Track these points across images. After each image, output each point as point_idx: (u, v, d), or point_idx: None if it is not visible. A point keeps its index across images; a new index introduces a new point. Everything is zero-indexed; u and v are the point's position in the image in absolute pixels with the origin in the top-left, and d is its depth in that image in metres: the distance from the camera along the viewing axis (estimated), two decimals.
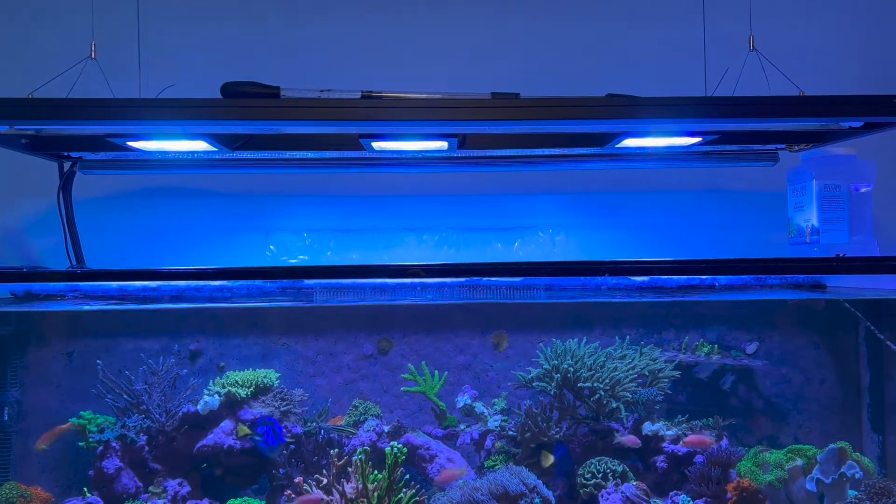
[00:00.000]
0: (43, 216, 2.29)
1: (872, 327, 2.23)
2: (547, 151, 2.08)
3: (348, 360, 2.39)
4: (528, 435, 2.13)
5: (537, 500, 1.87)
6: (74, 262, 2.17)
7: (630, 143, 1.88)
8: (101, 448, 2.08)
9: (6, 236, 2.33)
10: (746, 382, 2.31)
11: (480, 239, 2.40)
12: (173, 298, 2.07)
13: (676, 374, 2.18)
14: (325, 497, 1.79)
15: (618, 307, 2.36)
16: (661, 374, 2.17)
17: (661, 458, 2.09)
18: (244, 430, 1.88)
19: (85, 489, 2.03)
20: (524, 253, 2.39)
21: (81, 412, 2.16)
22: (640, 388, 2.14)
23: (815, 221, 1.93)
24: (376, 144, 1.89)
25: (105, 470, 2.07)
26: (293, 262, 2.36)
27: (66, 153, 2.07)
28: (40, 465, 2.23)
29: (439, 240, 2.39)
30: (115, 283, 1.94)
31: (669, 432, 2.11)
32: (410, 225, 2.39)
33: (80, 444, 2.12)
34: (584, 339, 2.22)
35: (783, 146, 2.04)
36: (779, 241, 2.13)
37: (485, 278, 1.92)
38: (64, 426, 2.17)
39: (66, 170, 2.11)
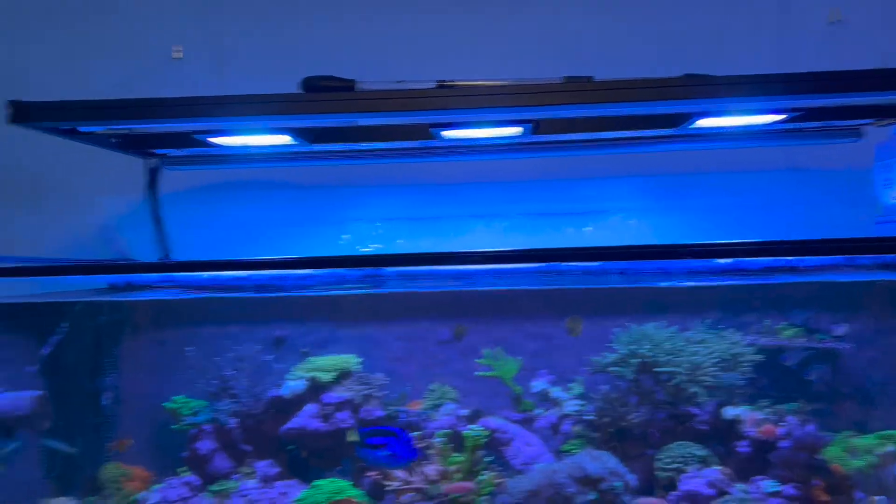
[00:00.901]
0: (130, 212, 2.41)
1: None
2: (620, 134, 2.06)
3: (424, 345, 2.43)
4: (605, 419, 2.13)
5: (617, 483, 1.87)
6: (162, 255, 2.28)
7: (706, 122, 1.85)
8: (194, 430, 2.20)
9: (98, 232, 2.45)
10: (832, 366, 2.24)
11: (551, 224, 2.40)
12: (257, 288, 2.15)
13: (759, 357, 2.13)
14: (473, 486, 1.80)
15: (694, 291, 2.31)
16: (742, 358, 2.13)
17: (744, 442, 2.05)
18: (353, 436, 1.86)
19: (181, 469, 2.14)
20: (596, 238, 2.37)
21: (174, 396, 2.28)
22: (720, 373, 2.10)
23: None
24: (447, 133, 1.91)
25: (199, 451, 2.18)
26: (366, 250, 2.41)
27: (152, 151, 2.17)
28: (139, 447, 2.36)
29: (509, 226, 2.40)
30: (202, 273, 2.03)
31: (753, 416, 2.07)
32: (480, 212, 2.40)
33: (175, 426, 2.24)
34: (661, 324, 2.20)
35: (869, 121, 1.96)
36: (862, 220, 2.05)
37: (559, 263, 1.91)
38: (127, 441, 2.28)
39: (152, 167, 2.22)
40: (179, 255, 2.29)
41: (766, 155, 2.24)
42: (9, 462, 2.12)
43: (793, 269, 1.85)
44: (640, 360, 2.12)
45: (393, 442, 1.75)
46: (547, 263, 1.91)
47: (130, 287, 2.20)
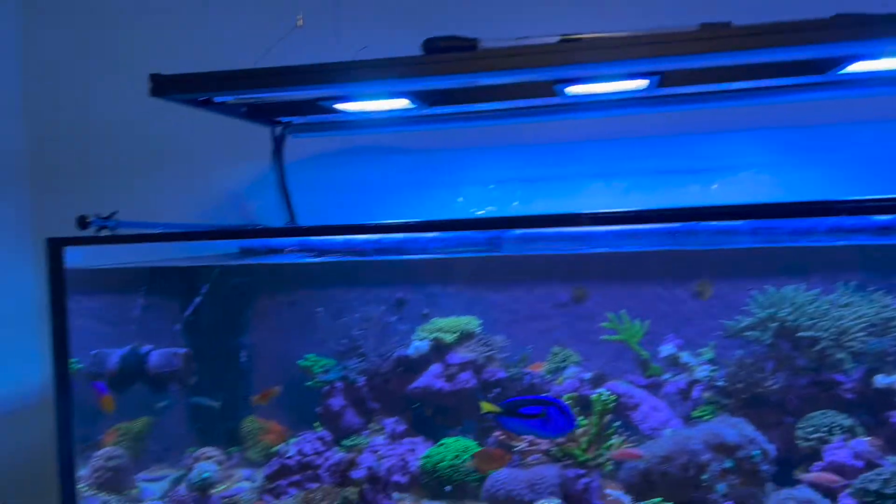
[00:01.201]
0: (257, 179, 2.51)
1: None
2: (755, 84, 1.93)
3: (544, 308, 2.40)
4: (739, 385, 2.04)
5: (756, 451, 1.79)
6: (288, 220, 2.36)
7: (859, 67, 1.69)
8: (326, 388, 2.30)
9: (227, 198, 2.57)
10: None
11: (674, 182, 2.29)
12: (378, 251, 2.19)
13: None
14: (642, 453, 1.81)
15: (836, 251, 2.15)
16: (892, 322, 1.97)
17: None
18: (487, 406, 1.85)
19: (315, 424, 2.24)
20: (723, 196, 2.25)
21: (306, 354, 2.38)
22: (869, 338, 1.95)
23: None
24: (570, 89, 1.85)
25: (331, 407, 2.28)
26: (481, 213, 2.40)
27: (278, 119, 2.24)
28: (274, 402, 2.49)
29: (629, 185, 2.31)
30: (326, 237, 2.09)
31: None
32: (598, 171, 2.33)
33: (308, 383, 2.34)
34: (801, 286, 2.07)
35: None
36: None
37: (686, 223, 1.83)
38: (275, 389, 2.39)
39: (277, 134, 2.29)
40: (304, 220, 2.36)
41: None
42: (161, 415, 2.30)
43: None
44: (779, 323, 2.00)
45: (552, 411, 1.73)
46: (673, 223, 1.84)
47: (261, 251, 2.30)
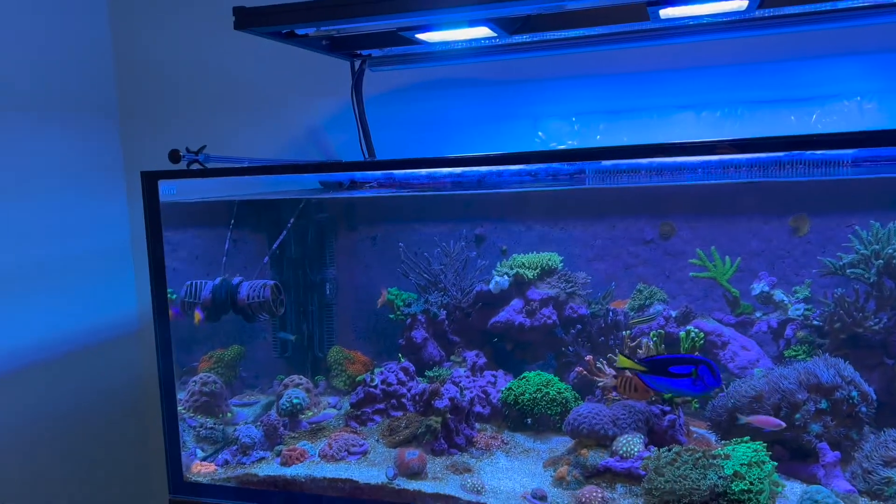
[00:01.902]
0: (337, 113, 2.50)
1: None
2: (860, 2, 1.76)
3: (628, 244, 2.34)
4: (837, 325, 1.94)
5: (854, 393, 1.71)
6: (368, 154, 2.36)
7: None
8: (409, 320, 2.33)
9: (307, 133, 2.58)
10: None
11: (770, 113, 2.15)
12: (457, 185, 2.17)
13: None
14: (781, 423, 1.72)
15: None
16: None
17: None
18: (627, 362, 1.77)
19: (399, 355, 2.29)
20: (824, 126, 2.10)
21: (389, 288, 2.41)
22: None
23: None
24: (664, 12, 1.74)
25: (414, 339, 2.31)
26: (562, 147, 2.33)
27: (357, 51, 2.21)
28: (357, 334, 2.56)
29: (721, 116, 2.19)
30: (406, 171, 2.08)
31: None
32: (687, 102, 2.21)
33: (391, 315, 2.38)
34: None
35: None
36: None
37: (780, 153, 1.72)
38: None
39: (357, 68, 2.27)
40: (383, 155, 2.36)
41: None
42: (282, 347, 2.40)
43: None
44: (884, 261, 1.88)
45: (703, 370, 1.71)
46: (768, 153, 1.73)
47: (341, 185, 2.32)
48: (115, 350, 2.71)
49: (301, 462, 1.94)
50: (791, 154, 1.69)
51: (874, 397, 1.75)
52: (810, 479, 1.65)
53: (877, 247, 1.90)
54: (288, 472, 1.90)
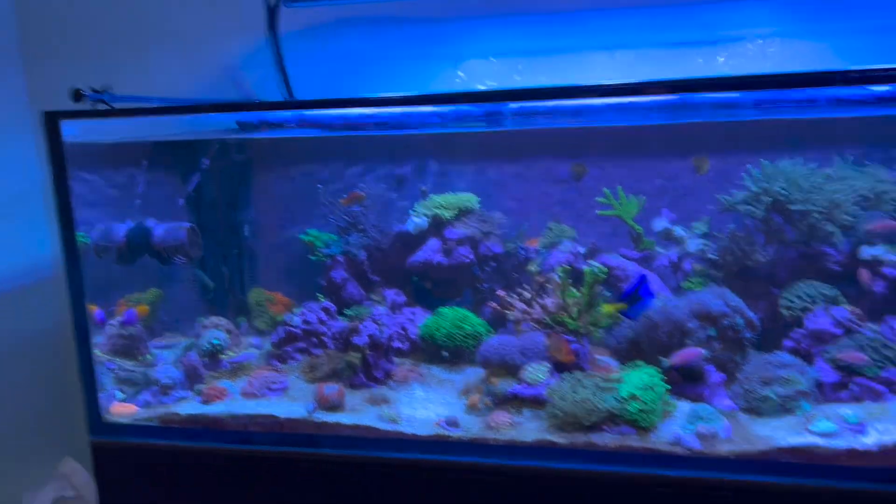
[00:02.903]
0: (252, 52, 2.45)
1: None
2: None
3: (542, 184, 2.42)
4: (730, 258, 2.09)
5: (740, 320, 1.86)
6: (285, 93, 2.34)
7: None
8: (329, 261, 2.36)
9: (222, 72, 2.53)
10: None
11: (679, 55, 2.23)
12: (377, 125, 2.18)
13: None
14: (703, 350, 1.84)
15: (839, 124, 2.13)
16: (886, 196, 1.98)
17: (880, 282, 1.96)
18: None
19: (319, 295, 2.32)
20: (730, 68, 2.20)
21: (308, 230, 2.43)
22: (860, 212, 1.98)
23: None
24: None
25: (334, 279, 2.35)
26: (481, 87, 2.36)
27: None
28: (278, 275, 2.58)
29: (634, 58, 2.26)
30: (324, 111, 2.08)
31: (892, 256, 1.96)
32: (602, 43, 2.26)
33: (311, 257, 2.41)
34: (799, 160, 2.07)
35: None
36: None
37: (686, 95, 1.80)
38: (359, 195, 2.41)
39: (272, 4, 2.22)
40: (301, 94, 2.34)
41: None
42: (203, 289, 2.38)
43: None
44: (772, 198, 2.02)
45: (644, 287, 1.86)
46: (672, 96, 1.81)
47: (258, 125, 2.29)
48: (32, 295, 2.65)
49: (221, 400, 1.98)
50: (692, 96, 1.78)
51: (758, 323, 1.91)
52: (698, 399, 1.80)
53: (766, 184, 2.03)
54: (209, 410, 1.94)
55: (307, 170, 2.52)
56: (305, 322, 2.21)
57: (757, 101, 1.87)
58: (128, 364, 2.11)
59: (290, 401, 1.97)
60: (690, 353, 1.82)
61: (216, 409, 1.94)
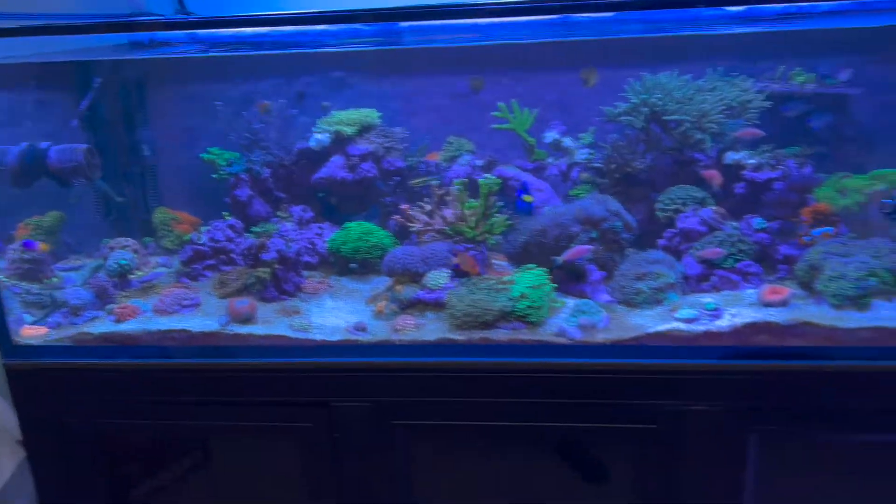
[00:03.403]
0: None
1: None
2: None
3: (441, 99, 2.49)
4: (613, 166, 2.26)
5: (618, 223, 2.04)
6: (177, 7, 2.28)
7: None
8: (232, 179, 2.39)
9: None
10: (839, 111, 2.27)
11: None
12: (275, 44, 2.18)
13: (766, 104, 2.17)
14: (591, 246, 2.01)
15: (714, 39, 2.29)
16: (750, 105, 2.18)
17: (741, 185, 2.19)
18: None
19: (224, 213, 2.36)
20: None
21: (209, 148, 2.43)
22: (726, 120, 2.17)
23: None
24: None
25: (239, 197, 2.39)
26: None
27: None
28: (182, 195, 2.58)
29: None
30: (220, 30, 2.06)
31: (752, 161, 2.17)
32: None
33: (214, 175, 2.42)
34: (675, 73, 2.23)
35: None
36: None
37: (575, 15, 1.90)
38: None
39: None
40: (194, 8, 2.28)
41: None
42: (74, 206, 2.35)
43: (809, 16, 1.83)
44: (650, 108, 2.18)
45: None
46: (563, 15, 1.91)
47: (152, 44, 2.24)
48: None
49: (134, 318, 2.03)
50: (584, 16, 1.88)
51: (636, 225, 2.11)
52: (581, 295, 1.99)
53: (645, 96, 2.19)
54: (122, 327, 1.99)
55: (205, 88, 2.49)
56: (213, 240, 2.26)
57: (640, 18, 2.01)
58: (34, 287, 2.11)
59: (204, 316, 2.04)
60: (580, 249, 2.00)
61: (130, 326, 1.99)
